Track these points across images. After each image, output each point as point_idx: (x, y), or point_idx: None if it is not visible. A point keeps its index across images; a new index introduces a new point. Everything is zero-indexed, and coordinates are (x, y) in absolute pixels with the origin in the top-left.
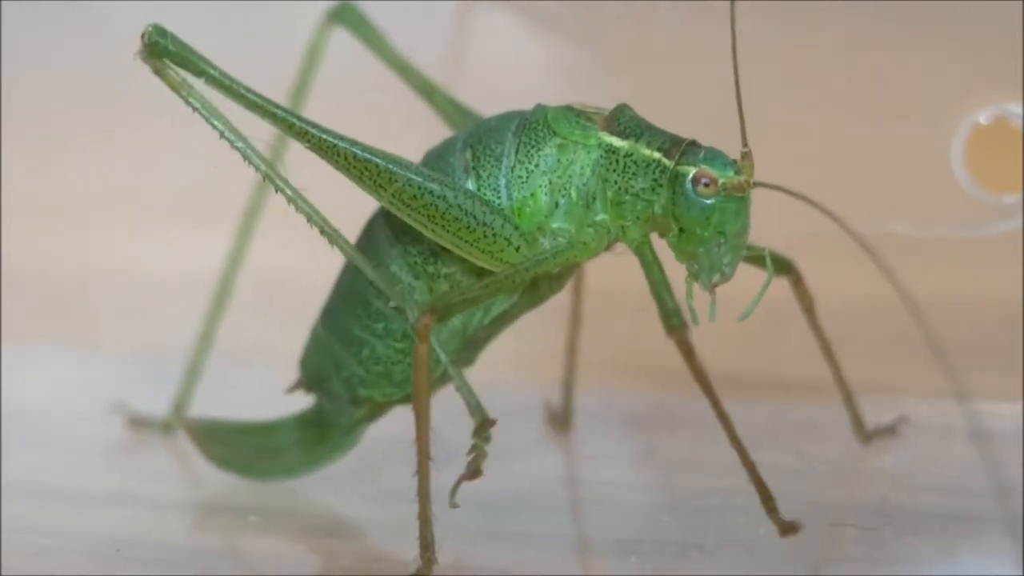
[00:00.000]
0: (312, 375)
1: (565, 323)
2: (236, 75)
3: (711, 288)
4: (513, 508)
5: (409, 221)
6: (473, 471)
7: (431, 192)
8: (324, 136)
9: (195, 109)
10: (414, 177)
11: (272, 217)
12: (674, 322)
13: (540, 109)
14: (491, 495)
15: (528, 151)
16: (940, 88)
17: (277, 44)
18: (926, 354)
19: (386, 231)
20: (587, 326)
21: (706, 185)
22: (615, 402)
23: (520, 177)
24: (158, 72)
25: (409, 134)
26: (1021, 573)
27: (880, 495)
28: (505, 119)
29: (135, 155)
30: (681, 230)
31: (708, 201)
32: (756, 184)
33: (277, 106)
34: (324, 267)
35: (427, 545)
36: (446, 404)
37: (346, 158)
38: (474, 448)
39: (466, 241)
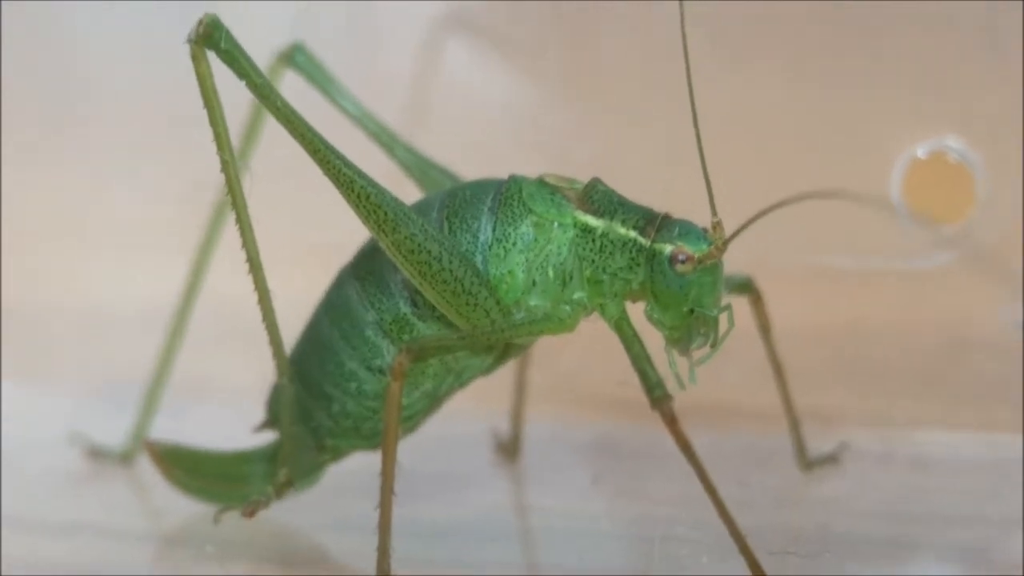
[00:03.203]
0: (278, 418)
1: None
2: (186, 115)
3: (689, 353)
4: (461, 535)
5: (399, 266)
6: (250, 511)
7: (429, 252)
8: (345, 170)
9: (206, 104)
10: (417, 233)
11: (231, 246)
12: (658, 394)
13: (514, 182)
14: (440, 523)
15: (505, 229)
16: (879, 123)
17: (225, 84)
18: (864, 381)
19: (360, 295)
20: (535, 357)
21: (683, 262)
22: (562, 432)
23: (498, 255)
24: (194, 58)
25: None
26: None
27: (821, 522)
28: (479, 191)
29: (90, 184)
30: (659, 303)
31: (686, 277)
32: (727, 243)
33: (309, 127)
34: (284, 297)
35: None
36: (411, 438)
37: (360, 196)
38: (264, 493)
39: (447, 301)
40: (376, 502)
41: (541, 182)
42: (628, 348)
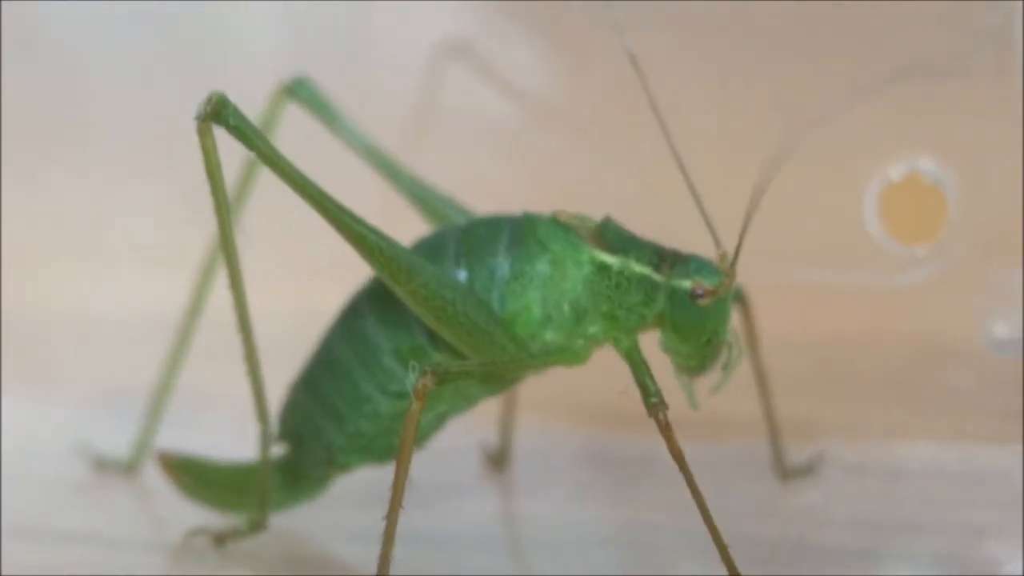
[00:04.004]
0: (289, 432)
1: None
2: (186, 130)
3: (696, 377)
4: (452, 544)
5: (415, 311)
6: (219, 542)
7: (443, 297)
8: (357, 227)
9: (209, 176)
10: (430, 281)
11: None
12: (654, 401)
13: (528, 220)
14: (431, 532)
15: (522, 266)
16: (853, 145)
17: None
18: (840, 393)
19: (376, 325)
20: None
21: (702, 296)
22: (549, 441)
23: (515, 291)
24: (201, 133)
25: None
26: None
27: (797, 531)
28: (494, 228)
29: (93, 196)
30: (678, 335)
31: (705, 310)
32: (734, 268)
33: (320, 191)
34: (288, 311)
35: None
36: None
37: (372, 250)
38: (235, 530)
39: (463, 341)
40: (379, 513)
41: (555, 220)
42: (634, 371)
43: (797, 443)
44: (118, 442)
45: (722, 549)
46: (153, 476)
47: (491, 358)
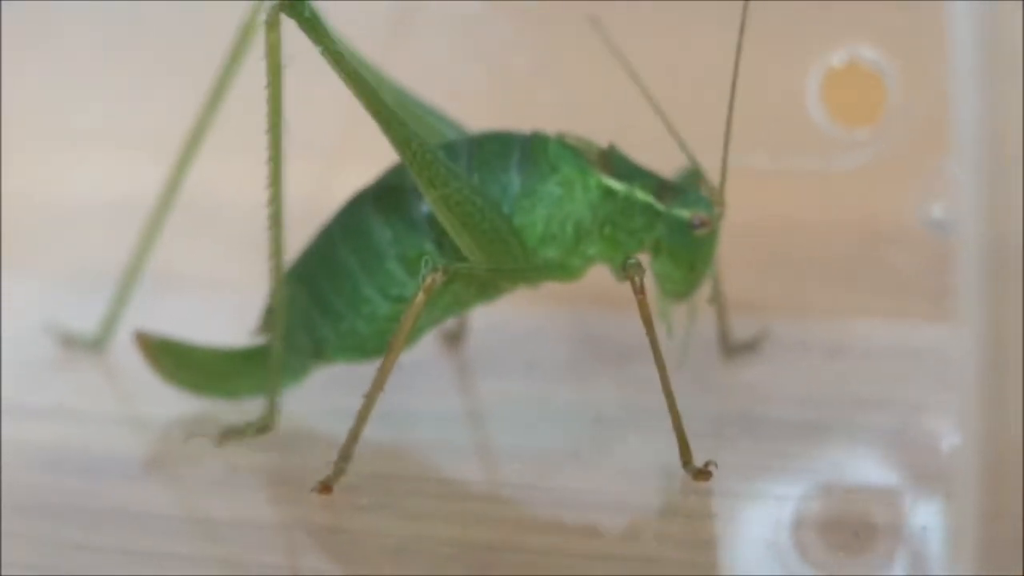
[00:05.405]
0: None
1: None
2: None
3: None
4: (408, 419)
5: (441, 216)
6: (222, 441)
7: (473, 204)
8: (402, 131)
9: (268, 71)
10: (463, 188)
11: (214, 145)
12: (632, 263)
13: (538, 140)
14: (388, 407)
15: (532, 184)
16: (794, 31)
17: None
18: (784, 274)
19: (383, 228)
20: None
21: (699, 226)
22: (503, 320)
23: (523, 208)
24: (269, 24)
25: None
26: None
27: (741, 406)
28: (504, 145)
29: (66, 78)
30: (673, 261)
31: (700, 238)
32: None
33: (376, 94)
34: (260, 195)
35: (346, 457)
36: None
37: (415, 154)
38: (240, 429)
39: (480, 248)
40: (345, 394)
41: (562, 141)
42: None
43: (742, 322)
44: (86, 322)
45: (675, 415)
46: (120, 353)
47: (499, 266)
